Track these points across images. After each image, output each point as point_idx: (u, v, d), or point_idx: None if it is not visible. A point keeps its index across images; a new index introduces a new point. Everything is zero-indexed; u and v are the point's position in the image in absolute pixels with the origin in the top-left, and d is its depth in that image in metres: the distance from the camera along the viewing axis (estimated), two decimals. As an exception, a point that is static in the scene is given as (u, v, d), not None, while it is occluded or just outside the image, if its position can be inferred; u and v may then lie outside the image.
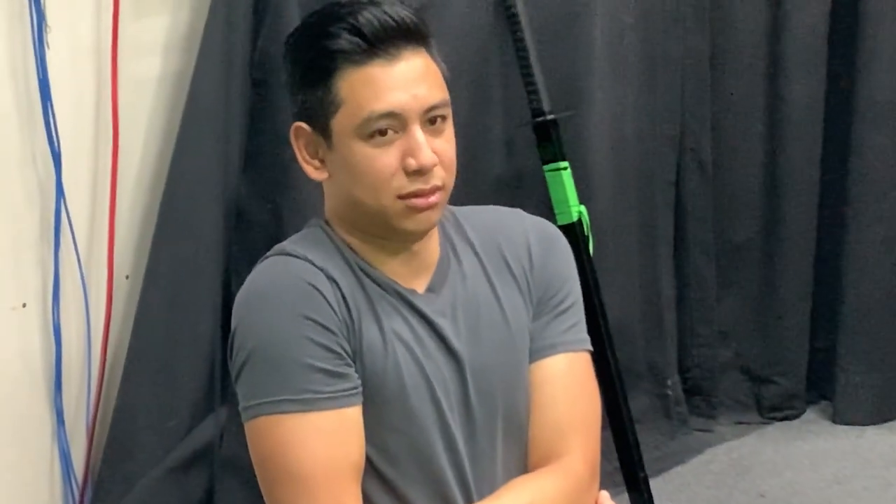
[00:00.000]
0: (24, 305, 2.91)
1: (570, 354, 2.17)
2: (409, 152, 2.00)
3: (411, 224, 2.04)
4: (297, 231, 2.90)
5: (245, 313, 2.07)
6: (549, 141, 3.53)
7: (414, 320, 2.08)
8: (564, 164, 3.52)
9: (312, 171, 2.08)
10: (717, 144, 4.32)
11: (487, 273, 2.16)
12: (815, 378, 4.40)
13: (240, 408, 2.05)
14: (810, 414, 4.35)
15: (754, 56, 4.23)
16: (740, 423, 4.31)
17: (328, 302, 2.01)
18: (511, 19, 3.58)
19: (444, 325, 2.09)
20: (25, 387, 2.99)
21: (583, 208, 3.55)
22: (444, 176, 2.02)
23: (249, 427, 2.05)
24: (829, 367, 4.34)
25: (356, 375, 2.02)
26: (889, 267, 4.22)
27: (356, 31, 1.99)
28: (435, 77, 2.06)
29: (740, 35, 4.24)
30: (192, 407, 3.12)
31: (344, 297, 2.03)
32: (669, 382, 4.21)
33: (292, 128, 2.10)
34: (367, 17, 2.02)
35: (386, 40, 2.00)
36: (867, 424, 4.27)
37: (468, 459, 2.10)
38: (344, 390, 2.00)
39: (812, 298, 4.36)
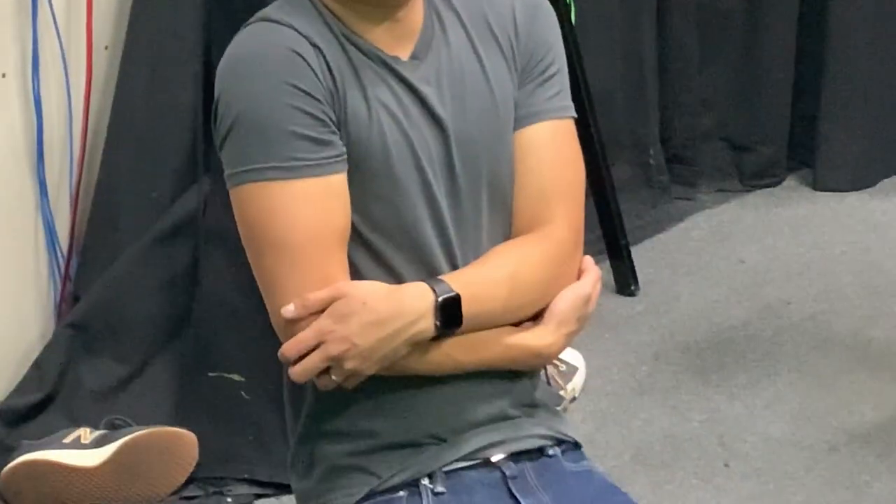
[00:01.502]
0: (3, 76, 2.92)
1: (555, 121, 2.11)
2: None
3: None
4: None
5: (229, 80, 2.00)
6: None
7: (398, 88, 2.03)
8: None
9: None
10: None
11: (472, 41, 2.09)
12: (797, 145, 4.43)
13: (225, 175, 2.01)
14: (791, 181, 4.39)
15: None
16: (721, 190, 4.35)
17: (312, 69, 1.96)
18: None
19: (429, 92, 2.05)
20: (8, 158, 3.01)
21: None
22: None
23: (234, 194, 2.03)
24: (811, 135, 4.38)
25: (341, 143, 2.00)
26: (872, 35, 4.21)
27: None
28: None
29: None
30: (175, 177, 3.12)
31: (328, 65, 1.98)
32: (651, 151, 4.23)
33: None
34: None
35: None
36: (847, 190, 4.33)
37: (453, 227, 2.09)
38: (329, 157, 1.98)
39: (794, 66, 4.36)
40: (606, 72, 3.97)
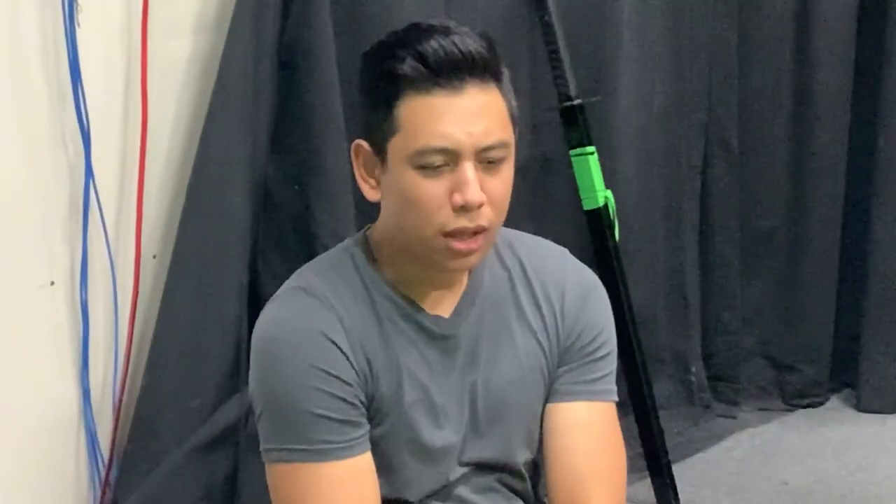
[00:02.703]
0: (52, 283, 2.88)
1: (598, 404, 2.19)
2: (457, 187, 1.99)
3: (451, 264, 2.05)
4: (322, 212, 3.13)
5: (261, 359, 2.10)
6: (576, 125, 3.52)
7: (431, 353, 2.12)
8: (591, 148, 3.52)
9: (368, 189, 2.08)
10: (743, 131, 4.33)
11: (519, 304, 2.18)
12: (839, 366, 4.40)
13: (260, 448, 2.09)
14: (834, 401, 4.37)
15: (782, 43, 4.23)
16: (763, 409, 4.32)
17: (343, 352, 2.04)
18: (539, 3, 3.54)
19: (460, 356, 2.14)
20: (52, 365, 2.96)
21: (609, 193, 3.55)
22: (491, 217, 2.00)
23: (268, 470, 2.10)
24: (853, 355, 4.34)
25: (367, 421, 2.08)
26: None
27: (421, 58, 1.97)
28: (498, 115, 2.02)
29: (767, 22, 4.23)
30: (218, 387, 3.08)
31: (361, 344, 2.06)
32: (693, 369, 4.22)
33: (353, 144, 2.09)
34: (435, 45, 1.99)
35: (451, 72, 1.98)
36: (891, 412, 4.30)
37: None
38: (357, 438, 2.05)
39: (836, 286, 4.36)
40: (649, 288, 4.00)
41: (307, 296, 2.09)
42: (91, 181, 2.89)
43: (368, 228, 2.18)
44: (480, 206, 1.98)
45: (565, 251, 2.25)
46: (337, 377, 2.02)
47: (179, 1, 3.05)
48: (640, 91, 3.95)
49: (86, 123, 2.85)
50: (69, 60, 2.83)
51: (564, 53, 3.51)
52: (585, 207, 3.52)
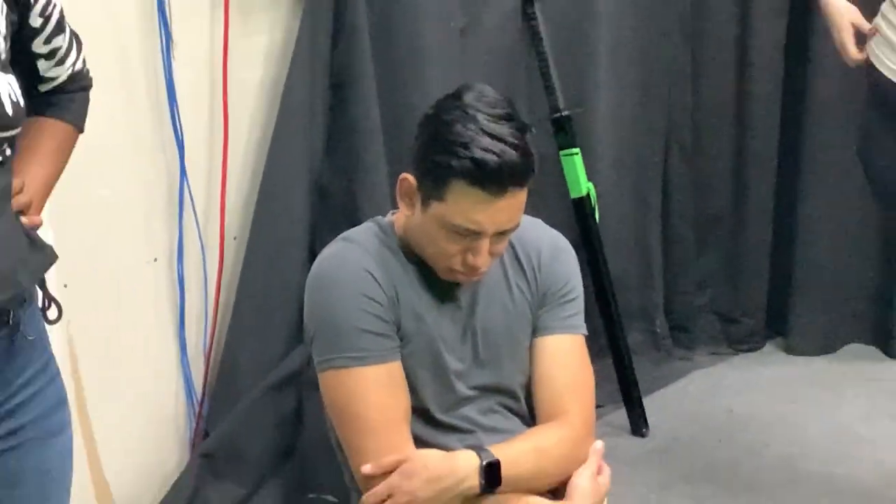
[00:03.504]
0: (155, 260, 2.92)
1: (570, 336, 2.24)
2: (472, 251, 2.03)
3: (455, 280, 2.12)
4: (365, 202, 3.13)
5: (315, 294, 2.16)
6: (564, 132, 3.52)
7: (442, 300, 2.17)
8: (576, 150, 3.53)
9: (403, 206, 2.11)
10: (695, 135, 4.28)
11: (508, 270, 2.22)
12: (772, 318, 4.36)
13: (315, 363, 2.14)
14: (768, 347, 4.33)
15: (725, 63, 4.20)
16: (713, 353, 4.28)
17: (378, 283, 2.08)
18: (534, 35, 3.57)
19: (464, 302, 2.17)
20: (156, 324, 3.01)
21: (590, 185, 3.56)
22: (490, 263, 2.06)
23: (321, 380, 2.13)
24: (784, 310, 4.31)
25: (397, 336, 2.11)
26: (831, 231, 4.16)
27: (476, 164, 1.95)
28: (520, 207, 2.04)
29: (714, 46, 4.20)
30: (284, 341, 3.08)
31: (390, 280, 2.11)
32: (657, 322, 4.20)
33: (401, 177, 2.10)
34: (490, 157, 1.96)
35: (497, 182, 1.97)
36: (813, 355, 4.26)
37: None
38: (390, 349, 2.09)
39: (769, 256, 4.33)
40: (622, 259, 3.98)
41: (349, 243, 2.15)
42: (185, 179, 2.91)
43: (393, 213, 2.21)
44: (484, 267, 2.06)
45: (539, 221, 2.28)
46: (375, 300, 2.06)
47: (252, 37, 3.06)
48: (614, 103, 3.95)
49: (180, 135, 2.87)
50: (166, 86, 2.84)
51: (554, 74, 3.51)
52: (572, 196, 3.53)
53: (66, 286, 2.51)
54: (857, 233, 4.13)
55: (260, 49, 3.08)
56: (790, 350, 4.27)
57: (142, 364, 2.95)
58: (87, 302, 2.73)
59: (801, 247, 4.22)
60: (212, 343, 3.06)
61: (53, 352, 1.82)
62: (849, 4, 2.99)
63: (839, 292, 4.25)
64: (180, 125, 2.85)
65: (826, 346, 4.27)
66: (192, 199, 2.92)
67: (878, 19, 2.89)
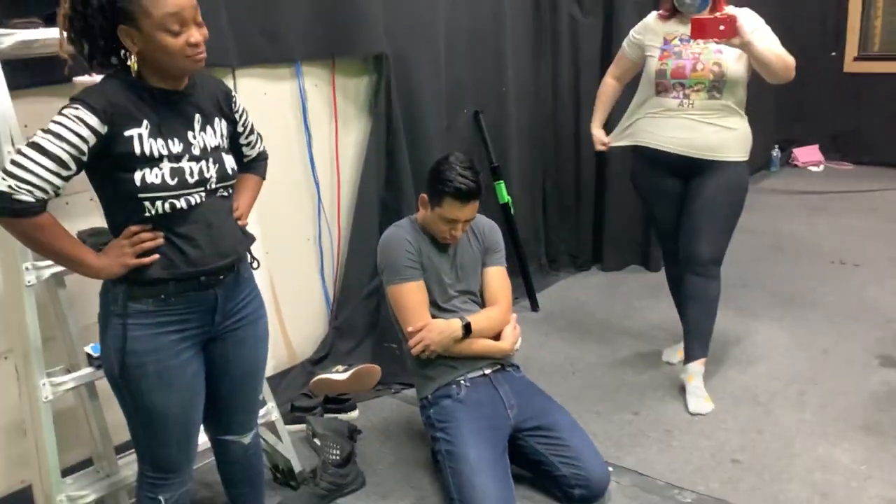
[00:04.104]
0: (308, 239, 3.20)
1: (499, 267, 2.39)
2: (454, 229, 2.17)
3: (446, 242, 2.22)
4: (401, 206, 3.27)
5: (383, 249, 2.30)
6: (495, 173, 3.82)
7: (442, 255, 2.29)
8: (502, 181, 3.81)
9: (421, 209, 2.23)
10: (556, 168, 4.32)
11: (470, 238, 2.36)
12: (596, 251, 4.56)
13: (384, 282, 2.31)
14: (593, 268, 4.57)
15: (585, 81, 4.19)
16: (566, 272, 4.49)
17: (411, 243, 2.27)
18: (480, 130, 3.69)
19: (452, 252, 2.30)
20: (309, 268, 3.23)
21: (509, 197, 3.80)
22: (461, 234, 2.12)
23: (388, 292, 2.29)
24: (600, 245, 4.53)
25: (421, 268, 2.26)
26: (628, 206, 4.33)
27: (457, 190, 2.18)
28: (476, 209, 2.19)
29: (575, 67, 4.25)
30: (369, 273, 3.28)
31: (417, 244, 2.27)
32: (542, 259, 4.44)
33: (421, 195, 2.31)
34: (464, 184, 2.15)
35: (467, 198, 2.19)
36: (618, 269, 4.53)
37: (453, 291, 2.36)
38: (418, 274, 2.25)
39: (593, 221, 4.49)
40: (524, 229, 4.13)
41: (397, 227, 2.33)
42: (319, 201, 3.20)
43: (416, 214, 2.35)
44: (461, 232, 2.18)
45: (483, 216, 2.35)
46: (409, 252, 2.21)
47: (349, 133, 3.25)
48: (518, 158, 4.08)
49: (315, 181, 3.13)
50: (309, 159, 3.11)
51: (490, 147, 3.75)
52: (500, 202, 3.83)
53: (267, 253, 2.80)
54: (637, 206, 4.17)
55: (353, 138, 3.28)
56: (604, 269, 4.54)
57: (305, 285, 3.22)
58: (279, 259, 2.99)
59: (608, 214, 4.46)
60: (336, 274, 3.31)
61: (258, 283, 1.92)
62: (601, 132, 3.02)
63: (628, 238, 4.52)
64: (315, 175, 3.10)
65: (620, 265, 4.54)
66: (324, 210, 3.19)
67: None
